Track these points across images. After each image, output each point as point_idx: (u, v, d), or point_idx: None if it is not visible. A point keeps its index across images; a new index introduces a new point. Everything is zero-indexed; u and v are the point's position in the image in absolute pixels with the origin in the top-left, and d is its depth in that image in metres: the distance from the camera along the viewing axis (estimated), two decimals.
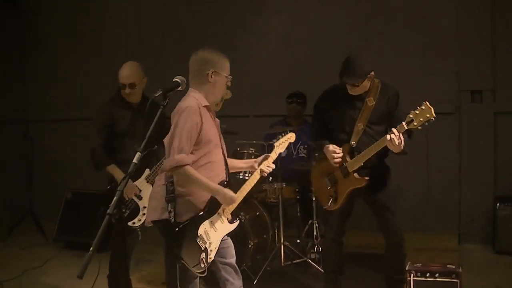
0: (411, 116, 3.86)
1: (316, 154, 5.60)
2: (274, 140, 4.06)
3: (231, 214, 3.70)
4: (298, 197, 5.90)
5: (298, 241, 5.96)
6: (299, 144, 6.24)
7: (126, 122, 4.60)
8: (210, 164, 3.55)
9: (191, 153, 3.45)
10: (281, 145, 4.03)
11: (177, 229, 3.39)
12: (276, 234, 5.59)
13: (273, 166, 3.87)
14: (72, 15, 8.05)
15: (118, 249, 4.28)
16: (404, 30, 6.70)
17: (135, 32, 7.74)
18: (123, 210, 4.45)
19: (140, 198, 4.50)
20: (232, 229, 3.70)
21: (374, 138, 4.20)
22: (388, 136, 3.94)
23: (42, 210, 7.36)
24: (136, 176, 4.50)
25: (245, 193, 3.78)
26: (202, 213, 3.51)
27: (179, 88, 3.45)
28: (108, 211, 2.80)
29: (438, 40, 6.60)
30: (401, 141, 3.93)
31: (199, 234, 3.47)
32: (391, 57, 6.55)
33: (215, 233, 3.59)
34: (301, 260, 5.60)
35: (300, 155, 6.24)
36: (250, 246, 5.21)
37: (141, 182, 4.53)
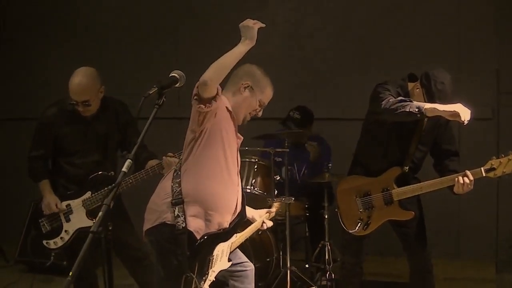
0: (493, 164, 3.91)
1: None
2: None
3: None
4: (307, 214, 5.80)
5: (307, 266, 5.85)
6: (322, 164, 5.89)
7: (75, 139, 4.52)
8: (217, 169, 3.49)
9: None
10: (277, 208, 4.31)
11: (204, 238, 3.41)
12: (281, 257, 5.43)
13: (271, 223, 4.10)
14: None
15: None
16: (434, 20, 6.60)
17: (112, 16, 7.43)
18: (43, 224, 4.47)
19: (68, 219, 4.48)
20: (224, 268, 3.65)
21: (418, 163, 4.26)
22: (461, 179, 3.94)
23: (2, 226, 7.18)
24: (76, 194, 4.49)
25: (244, 239, 3.89)
26: (225, 228, 3.54)
27: (177, 85, 3.27)
28: (92, 228, 2.68)
29: (474, 32, 6.49)
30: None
31: (214, 254, 3.50)
32: (418, 51, 6.49)
33: (219, 263, 3.58)
34: None
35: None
36: None
37: (76, 204, 4.49)
